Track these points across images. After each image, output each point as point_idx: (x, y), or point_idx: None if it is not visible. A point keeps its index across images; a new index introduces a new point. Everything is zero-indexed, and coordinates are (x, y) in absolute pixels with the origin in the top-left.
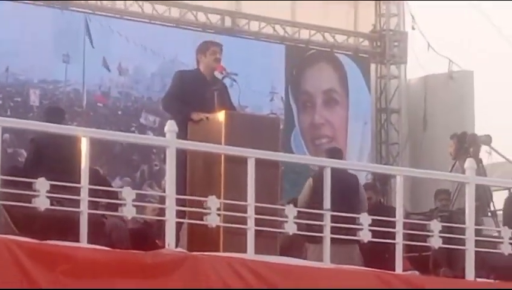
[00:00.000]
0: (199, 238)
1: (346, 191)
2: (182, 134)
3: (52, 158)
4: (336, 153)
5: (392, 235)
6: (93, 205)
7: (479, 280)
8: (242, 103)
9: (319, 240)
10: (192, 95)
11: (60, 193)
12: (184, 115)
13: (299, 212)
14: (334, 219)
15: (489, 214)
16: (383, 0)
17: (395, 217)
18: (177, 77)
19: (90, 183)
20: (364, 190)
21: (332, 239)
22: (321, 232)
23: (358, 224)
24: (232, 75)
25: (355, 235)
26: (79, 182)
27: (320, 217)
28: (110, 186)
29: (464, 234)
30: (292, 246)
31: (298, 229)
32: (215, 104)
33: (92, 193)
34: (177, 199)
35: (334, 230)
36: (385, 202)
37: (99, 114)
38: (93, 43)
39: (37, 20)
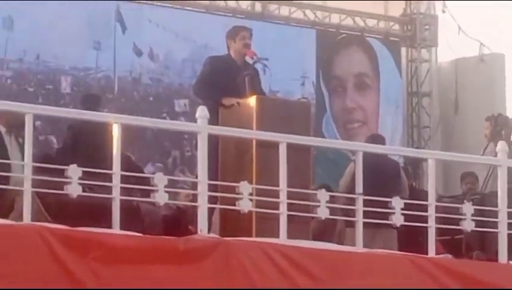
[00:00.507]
0: (231, 223)
1: (386, 177)
2: (214, 120)
3: (87, 145)
4: (379, 140)
5: (425, 219)
6: (126, 191)
7: None
8: (273, 88)
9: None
10: (223, 81)
11: (93, 180)
12: (215, 100)
13: (333, 197)
14: (369, 204)
15: None
16: None
17: (427, 200)
18: (207, 63)
19: (122, 170)
20: (405, 175)
21: (369, 224)
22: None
23: (391, 208)
24: (262, 60)
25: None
26: (111, 169)
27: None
28: (142, 172)
29: (496, 217)
30: (325, 231)
31: (334, 214)
32: (247, 89)
33: (124, 179)
34: (209, 185)
35: (369, 215)
36: (417, 186)
37: (130, 100)
38: (124, 29)
39: (68, 7)
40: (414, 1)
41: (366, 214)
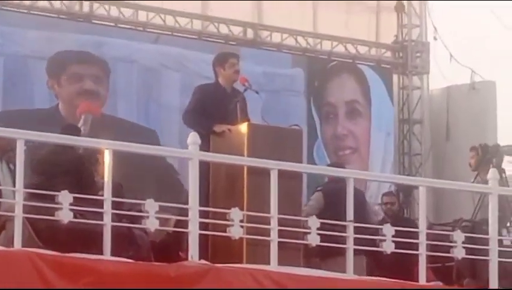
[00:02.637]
0: (222, 250)
1: (357, 204)
2: (205, 147)
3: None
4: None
5: (414, 247)
6: (118, 217)
7: None
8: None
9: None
10: (213, 108)
11: (84, 206)
12: (206, 128)
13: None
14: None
15: (509, 224)
16: (405, 8)
17: (415, 228)
18: (197, 92)
19: (113, 197)
20: (369, 205)
21: (340, 251)
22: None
23: (378, 235)
24: (253, 89)
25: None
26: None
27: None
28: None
29: (487, 245)
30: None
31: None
32: (238, 116)
33: (115, 205)
34: (200, 211)
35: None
36: (409, 213)
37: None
38: None
39: None
40: (406, 28)
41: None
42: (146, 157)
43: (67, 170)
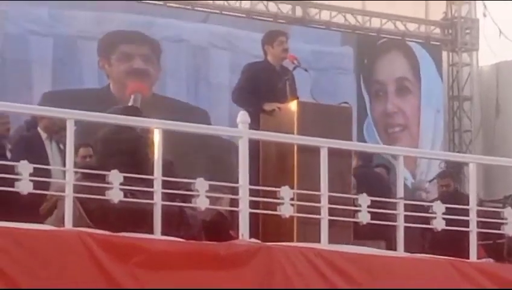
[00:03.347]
0: (273, 228)
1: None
2: (255, 126)
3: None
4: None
5: (466, 223)
6: (168, 196)
7: None
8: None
9: None
10: (262, 87)
11: (134, 185)
12: (256, 106)
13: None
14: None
15: None
16: None
17: (468, 204)
18: (246, 70)
19: (163, 175)
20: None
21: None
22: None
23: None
24: (302, 67)
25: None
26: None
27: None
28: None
29: None
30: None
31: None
32: (287, 94)
33: (166, 184)
34: (250, 190)
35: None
36: (460, 189)
37: None
38: None
39: None
40: (455, 4)
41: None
42: (201, 137)
43: (124, 150)
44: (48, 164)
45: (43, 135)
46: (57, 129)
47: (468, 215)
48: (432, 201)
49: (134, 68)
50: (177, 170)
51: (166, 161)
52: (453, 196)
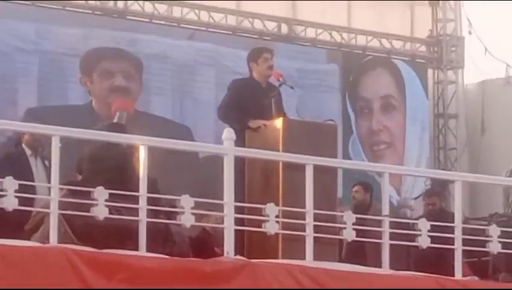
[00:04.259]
0: (258, 245)
1: None
2: (240, 142)
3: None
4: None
5: (452, 241)
6: (154, 213)
7: None
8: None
9: None
10: (248, 104)
11: (120, 202)
12: (241, 123)
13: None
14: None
15: None
16: (440, 3)
17: (452, 222)
18: (231, 87)
19: (149, 190)
20: None
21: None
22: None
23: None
24: (288, 84)
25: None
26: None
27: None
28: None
29: None
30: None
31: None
32: (273, 111)
33: (152, 201)
34: (235, 207)
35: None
36: (446, 209)
37: None
38: None
39: None
40: (441, 22)
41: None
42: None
43: (111, 167)
44: (33, 181)
45: (28, 152)
46: (37, 145)
47: (453, 234)
48: (417, 219)
49: (115, 85)
50: (161, 188)
51: (151, 179)
52: (439, 214)
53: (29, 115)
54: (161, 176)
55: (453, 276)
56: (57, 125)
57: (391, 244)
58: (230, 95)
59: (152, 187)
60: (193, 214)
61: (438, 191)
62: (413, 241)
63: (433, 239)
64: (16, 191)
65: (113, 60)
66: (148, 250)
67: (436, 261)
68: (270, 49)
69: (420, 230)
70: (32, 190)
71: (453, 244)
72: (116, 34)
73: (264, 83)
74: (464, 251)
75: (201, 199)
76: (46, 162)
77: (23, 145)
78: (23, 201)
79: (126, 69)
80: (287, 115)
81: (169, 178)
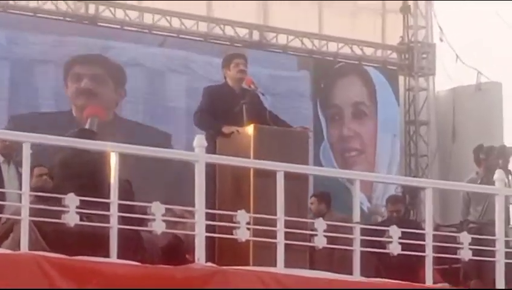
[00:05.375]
0: (229, 252)
1: None
2: (211, 148)
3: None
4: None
5: (421, 248)
6: (125, 219)
7: None
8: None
9: None
10: (222, 109)
11: (91, 208)
12: (216, 129)
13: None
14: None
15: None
16: (411, 9)
17: (420, 230)
18: (206, 93)
19: (121, 195)
20: None
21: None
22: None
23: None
24: (259, 90)
25: None
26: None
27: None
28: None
29: (493, 246)
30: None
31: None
32: (244, 118)
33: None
34: (206, 214)
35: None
36: (415, 215)
37: None
38: None
39: None
40: (412, 29)
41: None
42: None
43: (81, 173)
44: (3, 188)
45: (0, 158)
46: (9, 152)
47: (420, 241)
48: (380, 225)
49: (81, 88)
50: (133, 189)
51: (123, 181)
52: (401, 221)
53: (11, 123)
54: (134, 181)
55: (424, 283)
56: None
57: (362, 251)
58: (205, 101)
59: (124, 189)
60: (164, 221)
61: (402, 198)
62: (383, 248)
63: (402, 246)
64: None
65: (86, 64)
66: (120, 257)
67: (407, 268)
68: (241, 54)
69: (391, 237)
70: (2, 196)
71: (424, 252)
72: (88, 41)
73: (237, 89)
74: (435, 257)
75: (172, 206)
76: (20, 169)
77: None
78: None
79: (96, 72)
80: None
81: (141, 183)
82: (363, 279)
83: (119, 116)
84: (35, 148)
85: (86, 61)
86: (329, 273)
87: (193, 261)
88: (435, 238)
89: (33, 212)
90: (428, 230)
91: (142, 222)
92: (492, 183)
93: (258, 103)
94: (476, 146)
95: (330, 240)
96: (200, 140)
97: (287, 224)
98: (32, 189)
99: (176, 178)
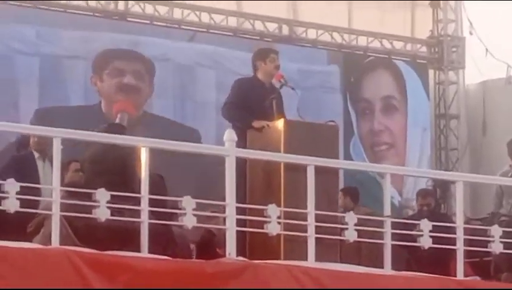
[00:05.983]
0: (260, 246)
1: None
2: (241, 142)
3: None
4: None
5: (452, 242)
6: (156, 214)
7: None
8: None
9: None
10: (252, 103)
11: (122, 203)
12: (244, 122)
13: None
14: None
15: None
16: (441, 3)
17: (451, 223)
18: (236, 86)
19: (152, 190)
20: None
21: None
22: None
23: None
24: (289, 84)
25: None
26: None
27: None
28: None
29: None
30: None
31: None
32: (274, 112)
33: (154, 201)
34: (237, 208)
35: None
36: (446, 209)
37: None
38: None
39: None
40: (442, 23)
41: None
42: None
43: (112, 168)
44: (38, 184)
45: (36, 154)
46: (43, 148)
47: (450, 234)
48: (410, 219)
49: (124, 83)
50: (166, 184)
51: (155, 176)
52: (432, 214)
53: (37, 116)
54: (166, 176)
55: (455, 276)
56: (65, 127)
57: (393, 245)
58: (234, 93)
59: (156, 185)
60: (195, 215)
61: (433, 191)
62: (414, 241)
63: (433, 240)
64: (20, 194)
65: (125, 59)
66: (150, 251)
67: (438, 261)
68: (276, 50)
69: (422, 231)
70: (37, 192)
71: (454, 245)
72: (117, 36)
73: (267, 83)
74: (466, 251)
75: (203, 200)
76: None
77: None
78: (26, 203)
79: (137, 68)
80: (288, 116)
81: (173, 178)
82: (394, 272)
83: (148, 112)
84: (66, 143)
85: (125, 56)
86: (360, 267)
87: (224, 255)
88: (466, 231)
89: (64, 207)
90: (459, 223)
91: (174, 217)
92: None
93: (281, 101)
94: (510, 139)
95: (359, 234)
96: (230, 134)
97: (318, 218)
98: (68, 184)
99: (206, 173)
